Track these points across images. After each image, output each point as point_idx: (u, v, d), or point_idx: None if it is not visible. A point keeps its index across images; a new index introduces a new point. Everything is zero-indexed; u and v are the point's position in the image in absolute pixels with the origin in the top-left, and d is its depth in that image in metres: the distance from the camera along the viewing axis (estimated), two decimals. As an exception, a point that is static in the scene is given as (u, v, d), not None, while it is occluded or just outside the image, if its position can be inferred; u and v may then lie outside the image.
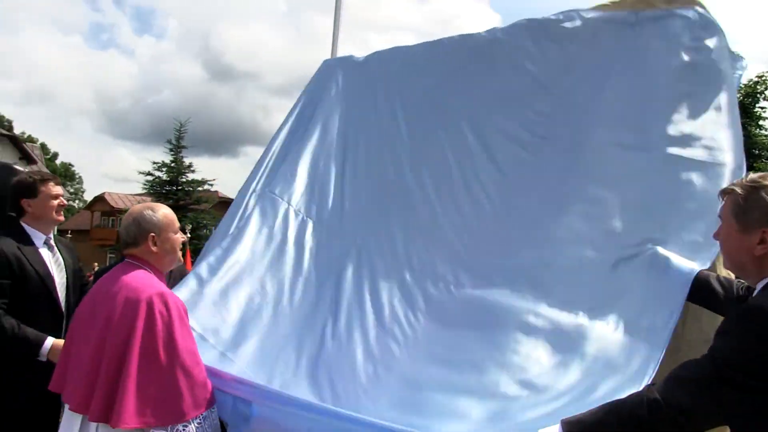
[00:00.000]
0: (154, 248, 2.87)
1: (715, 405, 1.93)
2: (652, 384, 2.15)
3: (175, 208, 21.24)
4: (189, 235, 12.41)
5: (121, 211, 30.98)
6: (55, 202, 3.89)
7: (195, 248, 20.46)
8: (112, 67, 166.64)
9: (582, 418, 2.11)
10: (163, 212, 2.96)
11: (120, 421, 2.47)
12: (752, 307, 1.97)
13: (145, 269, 2.84)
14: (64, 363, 2.84)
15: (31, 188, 3.81)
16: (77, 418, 2.65)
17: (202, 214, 26.24)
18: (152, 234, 2.87)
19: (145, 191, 27.20)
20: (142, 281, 2.73)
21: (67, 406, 2.71)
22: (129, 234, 2.88)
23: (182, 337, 2.61)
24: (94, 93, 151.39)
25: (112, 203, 45.80)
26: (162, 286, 2.77)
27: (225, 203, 35.60)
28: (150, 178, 26.20)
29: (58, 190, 3.94)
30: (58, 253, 3.94)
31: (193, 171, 26.83)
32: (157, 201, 24.08)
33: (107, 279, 2.84)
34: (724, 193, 2.19)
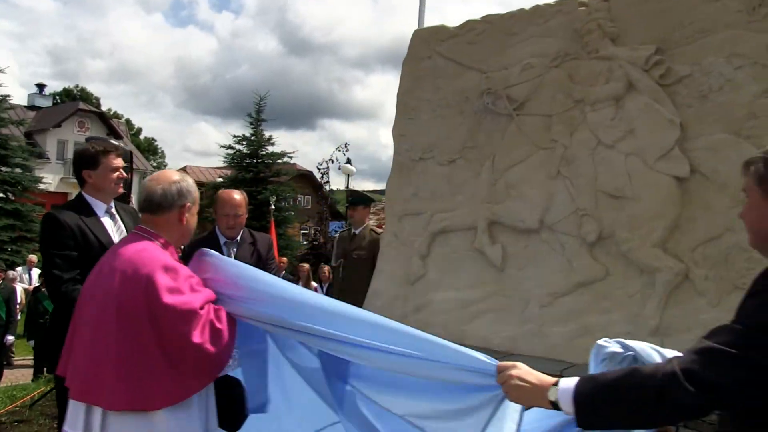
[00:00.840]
0: (183, 218, 2.72)
1: (745, 379, 1.61)
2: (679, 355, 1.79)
3: (255, 180, 25.79)
4: (273, 207, 13.96)
5: (202, 184, 29.07)
6: (115, 175, 3.85)
7: (275, 219, 22.92)
8: (192, 43, 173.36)
9: (596, 376, 1.89)
10: (197, 187, 2.84)
11: (110, 404, 2.37)
12: None
13: (156, 242, 2.62)
14: (69, 345, 2.63)
15: (92, 159, 3.79)
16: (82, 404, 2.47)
17: (282, 187, 26.16)
18: (188, 204, 2.73)
19: (225, 164, 26.88)
20: (149, 254, 2.53)
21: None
22: (166, 198, 2.66)
23: (182, 312, 2.37)
24: (175, 69, 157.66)
25: (194, 177, 47.25)
26: (169, 259, 2.55)
27: (303, 176, 35.79)
28: (230, 151, 25.77)
29: (118, 162, 3.90)
30: (120, 221, 3.91)
31: (272, 144, 26.31)
32: (238, 173, 25.52)
33: (112, 252, 2.65)
34: (748, 164, 1.92)
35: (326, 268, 11.89)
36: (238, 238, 4.87)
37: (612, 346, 2.14)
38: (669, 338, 4.23)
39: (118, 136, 32.06)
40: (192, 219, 2.78)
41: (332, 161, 22.54)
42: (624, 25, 4.91)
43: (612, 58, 4.86)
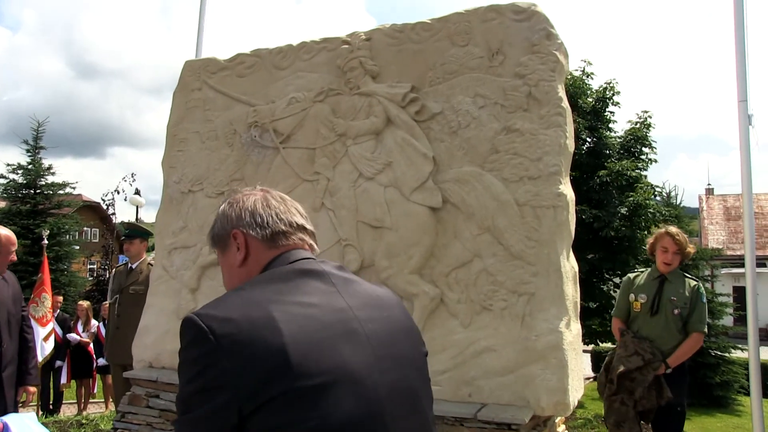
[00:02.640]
0: None
1: None
2: None
3: (33, 212, 24.38)
4: (46, 242, 12.52)
5: None
6: None
7: (56, 254, 20.80)
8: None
9: None
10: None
11: None
12: None
13: None
14: None
15: None
16: None
17: (64, 219, 24.14)
18: None
19: None
20: None
21: None
22: None
23: None
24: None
25: None
26: None
27: (91, 207, 32.92)
28: (3, 181, 23.65)
29: None
30: None
31: (53, 173, 24.20)
32: (13, 205, 23.20)
33: None
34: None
35: (106, 304, 11.27)
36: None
37: None
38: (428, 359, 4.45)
39: None
40: None
41: (118, 192, 21.52)
42: (383, 64, 5.17)
43: (372, 95, 5.10)
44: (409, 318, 1.74)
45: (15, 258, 4.59)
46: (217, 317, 1.42)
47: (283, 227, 1.69)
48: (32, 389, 4.61)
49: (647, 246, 5.32)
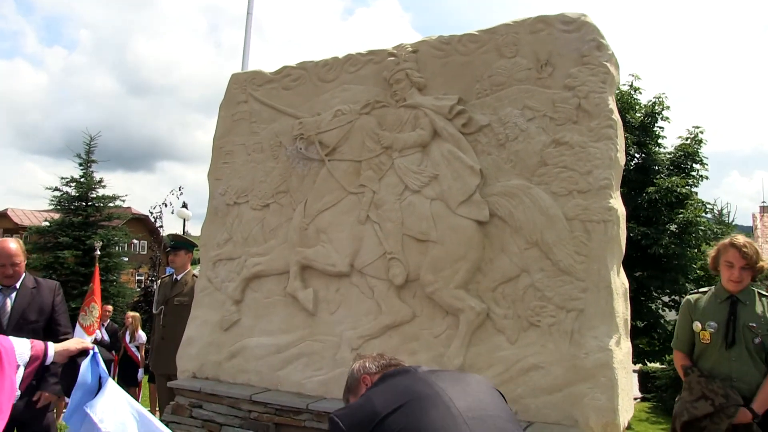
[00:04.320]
0: None
1: None
2: None
3: (84, 224, 24.92)
4: (99, 252, 12.92)
5: (25, 228, 29.51)
6: None
7: (105, 265, 21.40)
8: (19, 78, 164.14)
9: None
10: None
11: None
12: None
13: None
14: None
15: None
16: None
17: (114, 231, 24.95)
18: None
19: (51, 207, 25.39)
20: None
21: None
22: None
23: None
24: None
25: (16, 220, 43.31)
26: None
27: (139, 220, 34.13)
28: (57, 193, 24.38)
29: None
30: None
31: (104, 186, 24.96)
32: (66, 217, 24.07)
33: None
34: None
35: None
36: (18, 284, 4.75)
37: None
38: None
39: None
40: None
41: (165, 205, 21.84)
42: (430, 76, 5.13)
43: (418, 107, 5.05)
44: (505, 408, 2.20)
45: (19, 271, 4.71)
46: (343, 413, 2.14)
47: (389, 363, 2.43)
48: (49, 395, 4.65)
49: (709, 260, 4.38)
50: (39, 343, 2.94)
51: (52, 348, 2.96)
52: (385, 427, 1.97)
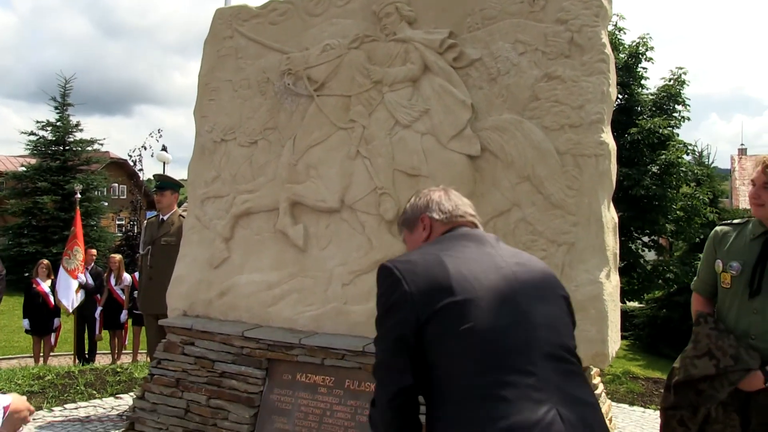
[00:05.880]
0: None
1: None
2: None
3: (62, 169, 24.62)
4: (80, 196, 12.70)
5: (1, 174, 29.81)
6: None
7: (86, 210, 21.38)
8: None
9: None
10: None
11: None
12: None
13: None
14: None
15: None
16: None
17: (93, 175, 25.18)
18: None
19: (28, 152, 25.64)
20: None
21: None
22: None
23: None
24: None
25: None
26: None
27: (118, 164, 33.21)
28: (33, 138, 24.52)
29: None
30: None
31: (81, 130, 25.25)
32: (43, 161, 23.93)
33: None
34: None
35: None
36: None
37: None
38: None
39: None
40: None
41: (145, 148, 21.59)
42: (420, 9, 5.04)
43: (408, 41, 4.97)
44: (550, 270, 2.20)
45: None
46: (401, 260, 2.06)
47: (457, 213, 2.28)
48: None
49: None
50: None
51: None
52: (454, 302, 1.90)
